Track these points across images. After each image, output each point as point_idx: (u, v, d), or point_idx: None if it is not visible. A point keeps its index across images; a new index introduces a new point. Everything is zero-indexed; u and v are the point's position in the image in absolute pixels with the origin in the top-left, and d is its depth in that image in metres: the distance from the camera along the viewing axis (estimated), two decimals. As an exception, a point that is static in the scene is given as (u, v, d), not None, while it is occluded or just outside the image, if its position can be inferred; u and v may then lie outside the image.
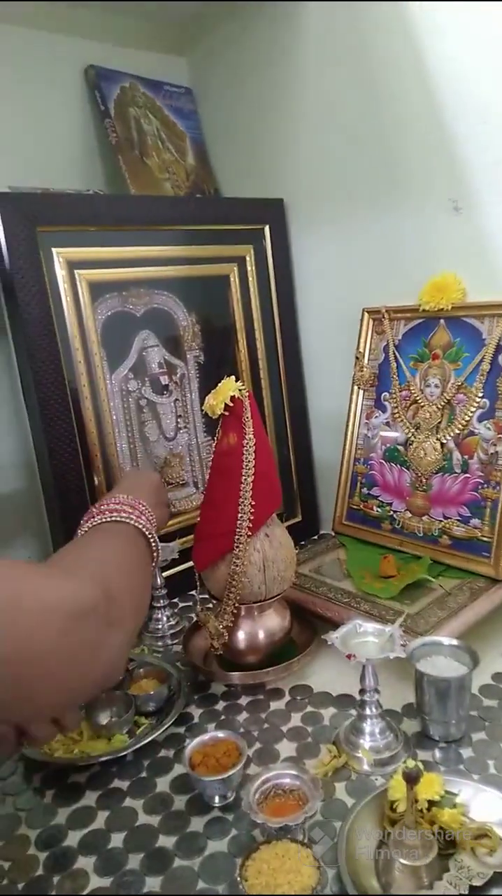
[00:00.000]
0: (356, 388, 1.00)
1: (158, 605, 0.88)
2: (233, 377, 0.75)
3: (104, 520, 0.63)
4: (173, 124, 1.13)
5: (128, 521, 0.63)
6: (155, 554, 0.66)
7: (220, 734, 0.64)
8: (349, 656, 0.62)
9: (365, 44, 0.90)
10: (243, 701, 0.74)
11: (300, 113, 1.02)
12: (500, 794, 0.56)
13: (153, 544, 0.65)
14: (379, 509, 0.96)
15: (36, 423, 0.86)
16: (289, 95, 1.03)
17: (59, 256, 0.85)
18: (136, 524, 0.64)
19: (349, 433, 1.01)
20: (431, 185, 0.88)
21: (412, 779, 0.51)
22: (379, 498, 0.97)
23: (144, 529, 0.64)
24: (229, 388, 0.74)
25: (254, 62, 1.06)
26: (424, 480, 0.90)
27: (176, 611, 0.92)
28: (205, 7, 1.07)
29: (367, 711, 0.65)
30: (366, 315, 0.98)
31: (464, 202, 0.85)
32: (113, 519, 0.63)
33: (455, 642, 0.68)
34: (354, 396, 1.00)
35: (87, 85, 1.05)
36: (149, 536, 0.64)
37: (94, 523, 0.63)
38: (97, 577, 0.53)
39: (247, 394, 0.75)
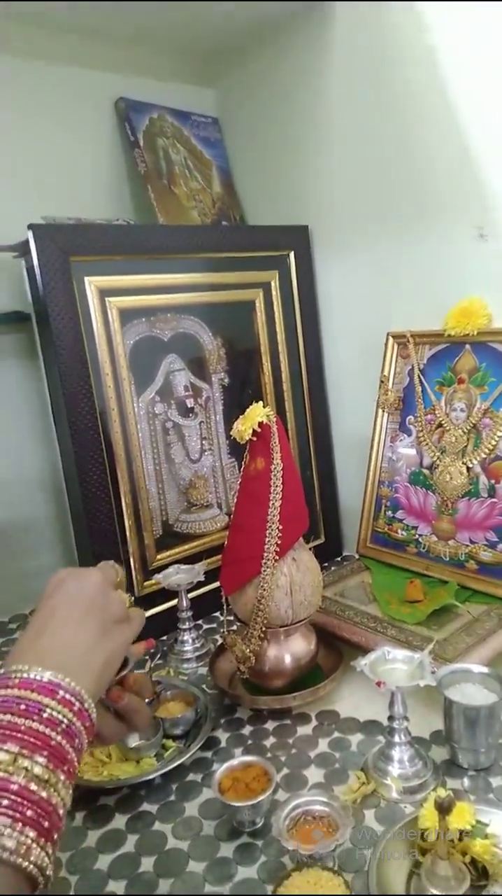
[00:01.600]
0: (380, 411, 1.00)
1: (184, 626, 0.89)
2: (260, 402, 0.76)
3: None
4: (200, 153, 1.16)
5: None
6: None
7: (250, 759, 0.64)
8: (379, 683, 0.62)
9: (390, 73, 0.92)
10: (270, 725, 0.74)
11: (325, 141, 1.04)
12: (533, 825, 0.56)
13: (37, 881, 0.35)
14: (404, 532, 0.96)
15: (66, 446, 0.88)
16: (313, 124, 1.05)
17: (91, 285, 0.87)
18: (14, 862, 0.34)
19: (373, 456, 1.01)
20: (456, 213, 0.89)
21: (444, 808, 0.51)
22: (405, 521, 0.97)
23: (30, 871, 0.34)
24: (257, 413, 0.75)
25: (280, 92, 1.09)
26: (450, 504, 0.90)
27: (201, 633, 0.92)
28: (231, 41, 1.09)
29: (396, 739, 0.65)
30: (391, 339, 0.99)
31: (490, 229, 0.86)
32: None
33: (484, 670, 0.68)
34: (379, 420, 1.01)
35: (117, 116, 1.08)
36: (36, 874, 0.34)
37: None
38: None
39: (274, 419, 0.76)
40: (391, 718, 0.65)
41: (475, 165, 0.85)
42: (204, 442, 1.03)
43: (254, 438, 0.75)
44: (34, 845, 0.34)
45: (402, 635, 0.78)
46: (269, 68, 1.10)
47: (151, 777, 0.67)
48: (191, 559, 0.98)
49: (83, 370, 0.86)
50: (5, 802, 0.34)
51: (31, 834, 0.34)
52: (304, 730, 0.73)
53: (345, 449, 1.15)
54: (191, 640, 0.88)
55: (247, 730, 0.74)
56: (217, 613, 0.97)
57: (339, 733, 0.72)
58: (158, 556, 0.96)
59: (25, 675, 0.40)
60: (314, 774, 0.67)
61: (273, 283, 1.07)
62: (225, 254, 1.02)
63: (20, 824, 0.34)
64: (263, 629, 0.74)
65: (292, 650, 0.77)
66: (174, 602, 0.90)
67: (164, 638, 0.93)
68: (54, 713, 0.39)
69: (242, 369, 1.06)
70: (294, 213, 1.11)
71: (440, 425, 0.92)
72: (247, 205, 1.20)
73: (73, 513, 0.94)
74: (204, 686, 0.80)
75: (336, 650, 0.82)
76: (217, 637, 0.91)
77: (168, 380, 0.98)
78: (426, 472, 0.94)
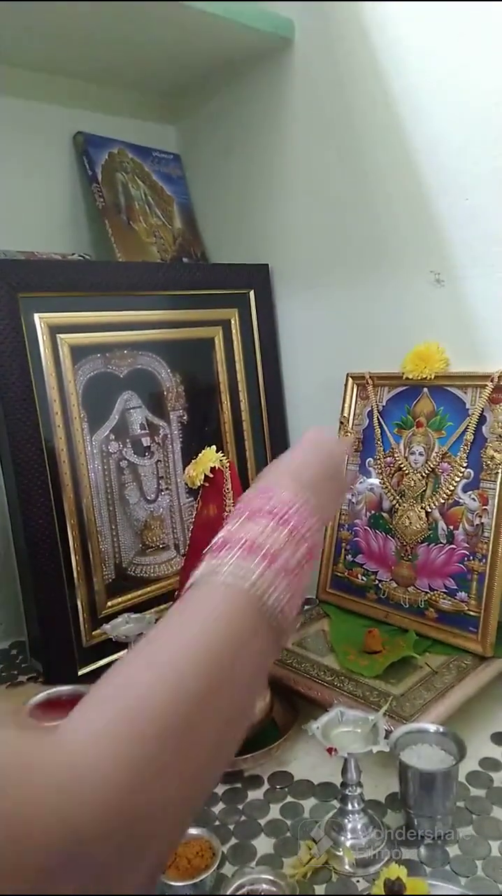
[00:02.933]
0: (340, 452, 0.99)
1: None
2: (213, 447, 0.74)
3: (210, 569, 0.40)
4: (161, 189, 1.15)
5: (245, 585, 0.38)
6: (281, 643, 0.41)
7: (193, 831, 0.60)
8: (329, 750, 0.59)
9: (350, 118, 0.92)
10: (219, 790, 0.70)
11: (286, 182, 1.04)
12: (490, 905, 0.53)
13: (282, 637, 0.41)
14: (363, 578, 0.94)
15: (10, 486, 0.84)
16: (275, 165, 1.05)
17: (41, 321, 0.84)
18: (267, 601, 0.39)
19: (333, 498, 0.99)
20: (414, 257, 0.89)
21: (394, 893, 0.48)
22: (365, 566, 0.94)
23: (276, 610, 0.39)
24: (209, 458, 0.73)
25: (242, 132, 1.09)
26: (410, 549, 0.89)
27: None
28: (193, 79, 1.09)
29: (349, 807, 0.61)
30: (351, 380, 0.98)
31: (447, 275, 0.85)
32: (230, 583, 0.39)
33: (441, 729, 0.65)
34: (338, 461, 0.99)
35: (75, 150, 1.06)
36: (272, 620, 0.39)
37: (198, 578, 0.41)
38: (119, 768, 0.30)
39: (227, 464, 0.73)
40: (344, 785, 0.61)
41: (431, 211, 0.85)
42: (160, 481, 1.00)
43: (207, 484, 0.73)
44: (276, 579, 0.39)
45: (359, 690, 0.75)
46: (231, 107, 1.10)
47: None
48: (146, 605, 0.94)
49: (29, 407, 0.83)
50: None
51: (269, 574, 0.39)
52: (256, 794, 0.69)
53: (306, 489, 1.12)
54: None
55: (194, 794, 0.70)
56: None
57: (292, 797, 0.68)
58: (109, 603, 0.92)
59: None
60: (263, 845, 0.63)
61: (233, 321, 1.06)
62: (184, 291, 1.01)
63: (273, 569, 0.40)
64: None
65: (244, 707, 0.73)
66: (123, 653, 0.86)
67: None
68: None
69: (202, 407, 1.04)
70: (255, 252, 1.10)
71: (399, 468, 0.90)
72: (209, 242, 1.19)
73: (19, 556, 0.90)
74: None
75: (292, 705, 0.78)
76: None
77: (123, 417, 0.95)
78: (385, 515, 0.92)
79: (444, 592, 0.84)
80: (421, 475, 0.87)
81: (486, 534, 0.80)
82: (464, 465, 0.83)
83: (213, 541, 0.43)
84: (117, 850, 0.29)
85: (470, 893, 0.54)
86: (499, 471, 0.80)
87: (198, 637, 0.36)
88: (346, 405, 0.98)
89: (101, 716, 0.32)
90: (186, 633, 0.37)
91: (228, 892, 0.54)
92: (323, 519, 0.47)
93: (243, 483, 0.93)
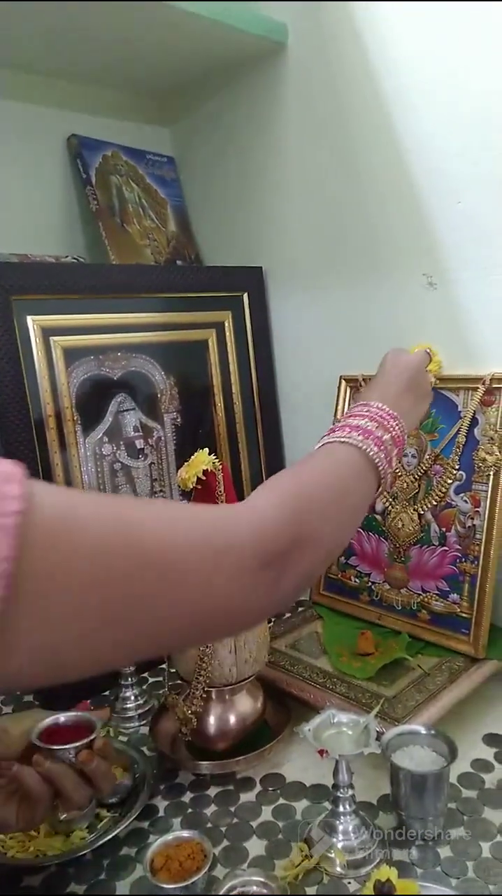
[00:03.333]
0: (334, 454, 0.99)
1: (126, 682, 0.85)
2: (205, 450, 0.74)
3: (334, 440, 0.59)
4: (155, 192, 1.15)
5: (362, 447, 0.57)
6: (380, 487, 0.60)
7: (185, 834, 0.60)
8: (321, 752, 0.59)
9: (343, 121, 0.93)
10: (212, 792, 0.70)
11: (280, 184, 1.04)
12: (480, 906, 0.53)
13: (381, 481, 0.59)
14: (357, 580, 0.94)
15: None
16: (269, 167, 1.05)
17: (34, 324, 0.84)
18: (369, 453, 0.58)
19: (326, 500, 0.99)
20: (407, 260, 0.89)
21: (384, 895, 0.48)
22: (358, 568, 0.95)
23: (377, 462, 0.58)
24: (201, 461, 0.72)
25: (236, 134, 1.09)
26: (402, 551, 0.89)
27: (144, 688, 0.88)
28: (187, 81, 1.10)
29: (341, 808, 0.61)
30: (344, 382, 0.98)
31: (439, 278, 0.86)
32: (347, 441, 0.58)
33: (432, 731, 0.65)
34: (332, 463, 0.99)
35: (69, 153, 1.07)
36: (381, 473, 0.59)
37: (327, 441, 0.59)
38: (297, 513, 0.48)
39: (220, 466, 0.73)
40: (335, 787, 0.61)
41: (424, 214, 0.86)
42: (154, 483, 1.00)
43: (199, 487, 0.73)
44: (378, 445, 0.59)
45: (352, 692, 0.75)
46: (226, 110, 1.10)
47: (81, 854, 0.62)
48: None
49: (22, 410, 0.83)
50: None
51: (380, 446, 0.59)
52: (248, 796, 0.69)
53: (300, 491, 1.13)
54: (133, 697, 0.84)
55: (187, 797, 0.70)
56: (163, 665, 0.93)
57: (284, 799, 0.68)
58: (103, 605, 0.92)
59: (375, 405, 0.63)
60: (255, 847, 0.63)
61: (226, 324, 1.06)
62: (178, 294, 1.01)
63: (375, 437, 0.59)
64: (206, 689, 0.71)
65: (237, 710, 0.73)
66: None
67: (106, 693, 0.88)
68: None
69: (196, 408, 1.04)
70: (249, 254, 1.10)
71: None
72: (202, 244, 1.19)
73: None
74: (144, 748, 0.76)
75: (285, 707, 0.78)
76: (162, 692, 0.87)
77: (117, 419, 0.95)
78: (378, 517, 0.92)
79: (437, 594, 0.84)
80: (414, 477, 0.88)
81: (478, 536, 0.81)
82: (456, 467, 0.83)
83: (330, 428, 0.61)
84: (284, 563, 0.46)
85: (461, 894, 0.54)
86: (491, 473, 0.80)
87: (341, 464, 0.57)
88: (340, 407, 0.98)
89: (275, 491, 0.51)
90: (328, 460, 0.58)
91: (220, 894, 0.54)
92: (409, 423, 0.66)
93: (236, 485, 0.94)
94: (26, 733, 0.59)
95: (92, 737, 0.58)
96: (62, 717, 0.63)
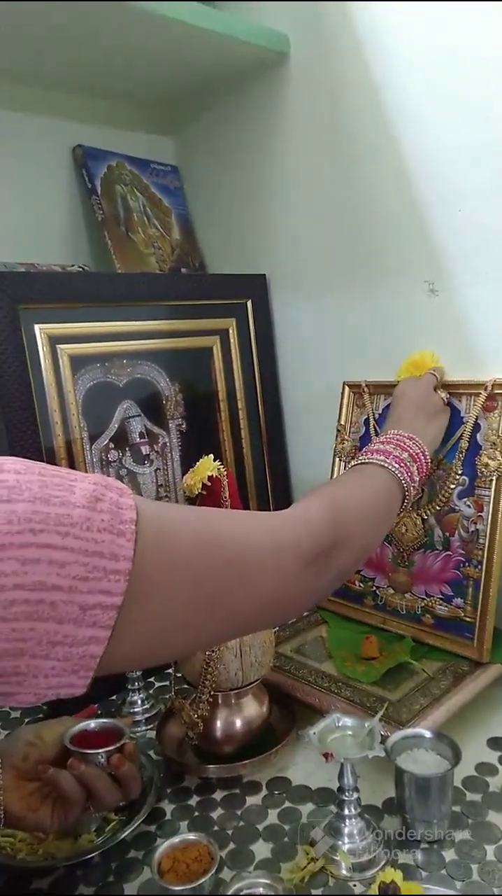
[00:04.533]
0: (337, 460, 1.00)
1: (132, 687, 0.85)
2: (210, 456, 0.75)
3: (364, 461, 0.70)
4: (159, 201, 1.16)
5: (385, 465, 0.69)
6: (405, 501, 0.71)
7: (191, 837, 0.61)
8: (326, 755, 0.59)
9: (345, 129, 0.94)
10: (218, 795, 0.71)
11: (282, 193, 1.05)
12: (484, 908, 0.53)
13: (406, 494, 0.70)
14: (361, 584, 0.95)
15: (12, 497, 0.85)
16: (271, 176, 1.06)
17: (41, 332, 0.85)
18: (391, 469, 0.69)
19: (331, 505, 1.00)
20: (408, 267, 0.90)
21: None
22: (362, 573, 0.95)
23: (399, 476, 0.69)
24: (206, 467, 0.73)
25: (239, 143, 1.10)
26: (406, 556, 0.89)
27: (151, 692, 0.89)
28: (190, 91, 1.11)
29: (346, 811, 0.62)
30: (347, 388, 0.99)
31: (441, 285, 0.87)
32: (371, 461, 0.70)
33: (437, 734, 0.66)
34: (336, 468, 1.00)
35: (74, 164, 1.08)
36: (404, 486, 0.70)
37: (356, 463, 0.72)
38: (337, 521, 0.55)
39: (225, 472, 0.74)
40: (340, 790, 0.62)
41: (425, 221, 0.87)
42: (160, 489, 1.01)
43: (204, 493, 0.74)
44: (402, 466, 0.71)
45: (357, 696, 0.76)
46: (228, 119, 1.11)
47: (89, 857, 0.63)
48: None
49: (30, 417, 0.84)
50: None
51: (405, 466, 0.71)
52: (254, 799, 0.70)
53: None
54: (140, 702, 0.85)
55: (194, 800, 0.71)
56: (170, 670, 0.93)
57: (290, 803, 0.69)
58: (109, 610, 0.93)
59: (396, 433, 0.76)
60: (261, 849, 0.64)
61: (230, 331, 1.07)
62: (182, 301, 1.02)
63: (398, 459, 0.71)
64: (212, 693, 0.71)
65: (243, 714, 0.74)
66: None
67: (114, 698, 0.89)
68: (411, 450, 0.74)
69: (200, 415, 1.05)
70: (253, 262, 1.11)
71: (395, 476, 0.91)
72: (206, 252, 1.21)
73: (20, 565, 0.91)
74: (151, 752, 0.77)
75: (290, 711, 0.79)
76: (168, 696, 0.87)
77: (123, 426, 0.96)
78: (382, 522, 0.93)
79: (440, 599, 0.85)
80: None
81: (481, 540, 0.81)
82: (459, 472, 0.84)
83: (362, 452, 0.74)
84: (327, 560, 0.54)
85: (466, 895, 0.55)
86: (494, 478, 0.80)
87: (371, 479, 0.69)
88: (343, 413, 0.99)
89: (316, 498, 0.59)
90: (364, 478, 0.69)
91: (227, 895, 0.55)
92: (427, 440, 0.76)
93: (240, 491, 0.95)
94: (59, 739, 0.62)
95: (122, 742, 0.62)
96: (92, 724, 0.65)
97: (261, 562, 0.49)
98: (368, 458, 0.70)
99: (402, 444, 0.73)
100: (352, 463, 0.72)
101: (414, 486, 0.71)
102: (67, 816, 0.59)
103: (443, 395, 0.84)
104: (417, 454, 0.73)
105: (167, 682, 0.92)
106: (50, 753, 0.61)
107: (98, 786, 0.59)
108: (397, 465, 0.69)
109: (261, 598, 0.50)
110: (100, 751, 0.60)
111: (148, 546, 0.41)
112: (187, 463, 1.01)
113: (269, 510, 1.12)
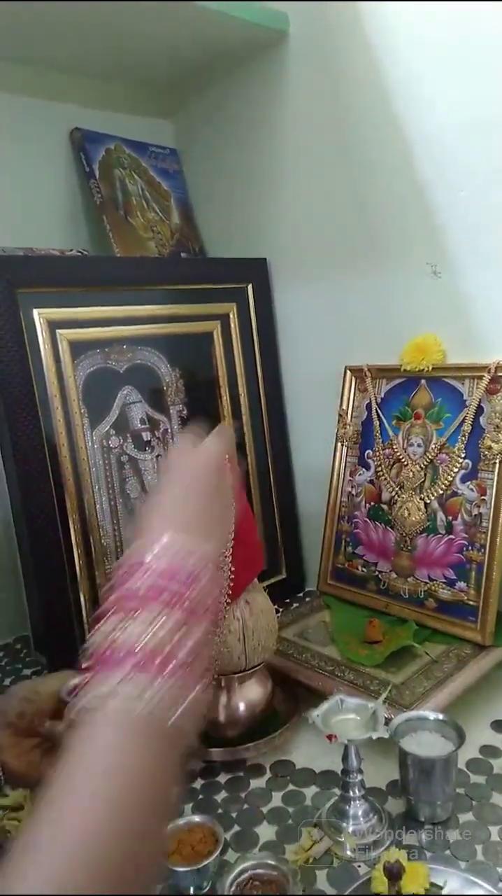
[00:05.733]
0: (339, 444, 0.99)
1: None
2: (212, 441, 0.74)
3: (105, 703, 0.36)
4: (158, 184, 1.15)
5: (142, 712, 0.36)
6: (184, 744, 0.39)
7: (196, 818, 0.61)
8: (329, 737, 0.59)
9: (346, 109, 0.92)
10: (222, 778, 0.71)
11: (283, 175, 1.04)
12: (487, 886, 0.53)
13: (187, 738, 0.38)
14: (363, 569, 0.95)
15: (13, 482, 0.85)
16: (271, 158, 1.05)
17: (40, 317, 0.85)
18: (158, 717, 0.36)
19: (333, 490, 1.00)
20: (410, 250, 0.89)
21: (394, 875, 0.48)
22: (364, 557, 0.95)
23: (172, 729, 0.36)
24: (208, 451, 0.73)
25: (238, 125, 1.09)
26: (409, 541, 0.89)
27: (155, 677, 0.89)
28: (188, 73, 1.10)
29: (350, 793, 0.62)
30: (349, 373, 0.98)
31: (443, 267, 0.86)
32: (117, 711, 0.36)
33: (440, 717, 0.66)
34: (338, 453, 0.99)
35: (72, 147, 1.07)
36: (177, 733, 0.37)
37: (90, 706, 0.36)
38: None
39: (226, 457, 0.74)
40: (345, 772, 0.62)
41: (427, 203, 0.86)
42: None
43: (206, 477, 0.73)
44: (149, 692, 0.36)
45: (360, 679, 0.76)
46: (227, 101, 1.10)
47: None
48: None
49: (30, 403, 0.83)
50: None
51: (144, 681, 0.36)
52: (258, 782, 0.70)
53: (307, 481, 1.13)
54: (143, 686, 0.85)
55: (198, 783, 0.71)
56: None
57: (294, 786, 0.69)
58: (112, 596, 0.93)
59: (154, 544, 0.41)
60: (266, 832, 0.64)
61: (231, 315, 1.06)
62: (182, 286, 1.01)
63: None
64: (216, 677, 0.71)
65: (247, 697, 0.74)
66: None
67: (116, 683, 0.89)
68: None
69: (201, 400, 1.04)
70: (253, 246, 1.10)
71: (398, 460, 0.91)
72: (206, 236, 1.19)
73: (21, 550, 0.91)
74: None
75: (293, 695, 0.79)
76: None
77: (124, 412, 0.95)
78: (385, 507, 0.93)
79: (443, 582, 0.85)
80: (420, 466, 0.88)
81: (484, 524, 0.81)
82: (462, 455, 0.84)
83: (94, 645, 0.38)
84: None
85: (470, 876, 0.55)
86: (497, 461, 0.80)
87: (117, 783, 0.35)
88: (345, 398, 0.98)
89: (49, 866, 0.32)
90: (102, 784, 0.35)
91: (230, 877, 0.55)
92: (217, 557, 0.44)
93: (242, 476, 0.94)
94: (55, 693, 0.59)
95: None
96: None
97: None
98: (118, 694, 0.36)
99: (193, 601, 0.40)
100: (87, 696, 0.37)
101: (199, 722, 0.39)
102: None
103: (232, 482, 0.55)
104: (218, 610, 0.45)
105: (170, 668, 0.92)
106: (47, 707, 0.58)
107: None
108: (175, 707, 0.37)
109: None
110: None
111: None
112: (188, 449, 1.00)
113: (271, 496, 1.11)
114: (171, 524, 0.43)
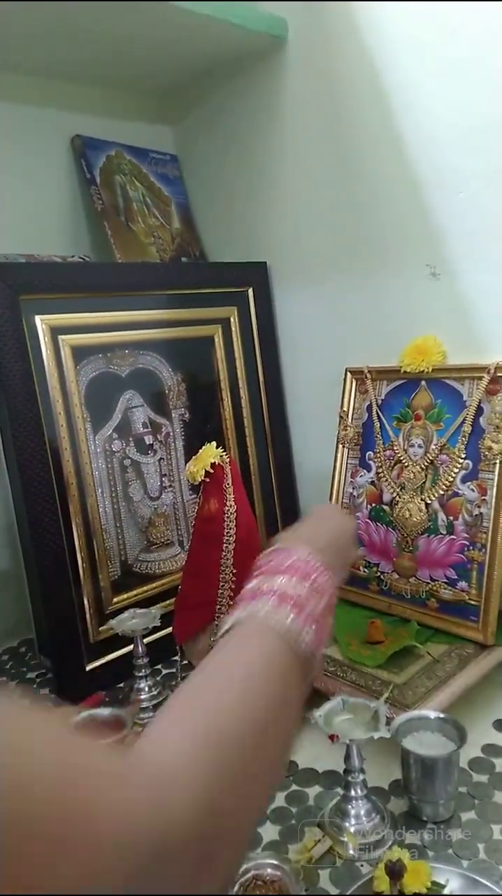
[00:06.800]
0: (341, 446, 1.00)
1: (140, 674, 0.86)
2: (213, 443, 0.75)
3: (247, 614, 0.44)
4: (159, 190, 1.16)
5: (281, 631, 0.43)
6: (307, 674, 0.45)
7: (200, 819, 0.61)
8: (331, 737, 0.60)
9: (344, 114, 0.93)
10: (225, 779, 0.72)
11: (282, 179, 1.05)
12: (489, 885, 0.54)
13: (310, 670, 0.45)
14: (365, 570, 0.95)
15: (16, 486, 0.86)
16: (271, 163, 1.06)
17: (43, 323, 0.85)
18: (292, 638, 0.43)
19: (334, 491, 1.00)
20: (409, 252, 0.90)
21: (395, 873, 0.49)
22: (366, 558, 0.95)
23: (295, 641, 0.43)
24: (209, 454, 0.74)
25: (238, 131, 1.10)
26: (410, 541, 0.89)
27: (158, 679, 0.89)
28: (188, 80, 1.10)
29: (352, 793, 0.62)
30: (349, 375, 0.99)
31: (442, 268, 0.86)
32: (257, 614, 0.44)
33: (442, 716, 0.66)
34: (339, 455, 1.00)
35: (73, 154, 1.08)
36: (304, 655, 0.43)
37: (238, 621, 0.44)
38: (204, 782, 0.33)
39: (227, 460, 0.75)
40: (347, 772, 0.63)
41: (426, 205, 0.86)
42: (163, 479, 1.01)
43: (207, 480, 0.74)
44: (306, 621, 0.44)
45: (362, 680, 0.76)
46: (227, 106, 1.11)
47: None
48: (151, 600, 0.96)
49: (33, 408, 0.84)
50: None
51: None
52: (261, 783, 0.71)
53: (309, 482, 1.14)
54: (147, 688, 0.85)
55: (201, 784, 0.71)
56: (177, 657, 0.94)
57: (297, 786, 0.70)
58: (115, 599, 0.93)
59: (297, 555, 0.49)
60: (269, 832, 0.64)
61: (232, 319, 1.07)
62: (183, 290, 1.02)
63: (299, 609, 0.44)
64: (217, 677, 0.72)
65: (249, 698, 0.74)
66: (130, 648, 0.87)
67: (121, 685, 0.89)
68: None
69: (203, 404, 1.05)
70: (253, 250, 1.11)
71: (399, 461, 0.91)
72: (207, 241, 1.20)
73: (25, 554, 0.91)
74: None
75: (295, 695, 0.79)
76: (174, 683, 0.88)
77: (126, 416, 0.96)
78: (386, 508, 0.93)
79: (445, 582, 0.85)
80: (421, 467, 0.88)
81: (485, 524, 0.81)
82: (463, 456, 0.84)
83: (245, 590, 0.48)
84: (197, 862, 0.32)
85: (471, 875, 0.55)
86: (497, 461, 0.80)
87: (254, 674, 0.41)
88: (345, 399, 0.99)
89: (185, 737, 0.36)
90: (242, 671, 0.41)
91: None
92: (335, 579, 0.51)
93: (244, 479, 0.95)
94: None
95: (123, 733, 0.60)
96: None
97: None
98: (264, 613, 0.44)
99: (319, 583, 0.48)
100: (235, 615, 0.45)
101: (320, 661, 0.46)
102: None
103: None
104: (332, 601, 0.49)
105: (174, 669, 0.93)
106: None
107: None
108: (305, 638, 0.43)
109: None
110: (101, 742, 0.59)
111: None
112: (190, 452, 1.01)
113: (273, 497, 1.12)
114: (307, 542, 0.52)
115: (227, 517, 0.73)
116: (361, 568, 0.96)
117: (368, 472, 0.96)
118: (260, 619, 0.44)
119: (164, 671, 0.93)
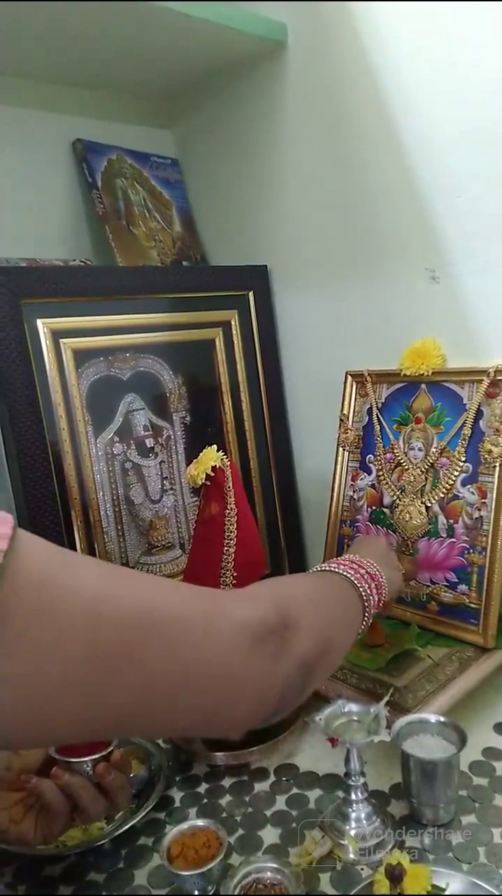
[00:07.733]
0: (341, 449, 1.00)
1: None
2: (214, 447, 0.75)
3: (326, 568, 0.64)
4: (160, 194, 1.16)
5: (341, 572, 0.62)
6: (366, 615, 0.62)
7: (200, 823, 0.62)
8: (331, 740, 0.60)
9: (344, 118, 0.93)
10: (226, 782, 0.72)
11: (282, 183, 1.05)
12: (489, 889, 0.54)
13: (365, 604, 0.62)
14: (366, 573, 0.95)
15: (17, 489, 0.86)
16: (271, 166, 1.06)
17: (44, 327, 0.86)
18: (348, 576, 0.62)
19: (335, 495, 1.00)
20: (409, 256, 0.90)
21: (396, 877, 0.49)
22: (367, 561, 0.95)
23: (358, 585, 0.61)
24: (210, 457, 0.74)
25: (238, 135, 1.10)
26: (410, 544, 0.90)
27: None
28: (188, 83, 1.11)
29: (353, 796, 0.62)
30: (350, 378, 0.99)
31: (442, 272, 0.86)
32: (330, 569, 0.63)
33: (442, 719, 0.66)
34: (339, 458, 1.00)
35: (74, 158, 1.08)
36: (362, 593, 0.62)
37: (318, 568, 0.65)
38: (279, 602, 0.50)
39: (228, 463, 0.75)
40: (347, 775, 0.63)
41: (425, 209, 0.86)
42: (164, 482, 1.01)
43: (208, 483, 0.74)
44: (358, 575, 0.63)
45: (363, 683, 0.76)
46: (227, 110, 1.11)
47: (100, 843, 0.64)
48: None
49: (34, 412, 0.84)
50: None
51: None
52: (262, 786, 0.71)
53: (309, 486, 1.14)
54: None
55: (202, 787, 0.72)
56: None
57: (298, 789, 0.70)
58: (116, 602, 0.93)
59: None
60: (269, 835, 0.64)
61: (233, 323, 1.07)
62: (184, 294, 1.02)
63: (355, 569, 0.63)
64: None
65: (249, 701, 0.74)
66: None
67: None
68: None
69: (204, 407, 1.05)
70: (254, 253, 1.11)
71: (399, 464, 0.91)
72: (208, 245, 1.20)
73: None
74: (159, 741, 0.78)
75: (296, 698, 0.79)
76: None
77: (127, 419, 0.96)
78: (386, 511, 0.93)
79: (445, 585, 0.85)
80: (421, 470, 0.88)
81: (485, 527, 0.81)
82: (463, 459, 0.84)
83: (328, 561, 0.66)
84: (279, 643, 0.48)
85: (472, 878, 0.55)
86: (497, 464, 0.81)
87: (329, 584, 0.62)
88: (346, 403, 0.99)
89: (296, 592, 0.56)
90: (321, 580, 0.62)
91: (234, 881, 0.55)
92: (389, 588, 0.67)
93: (245, 482, 0.95)
94: (44, 749, 0.59)
95: (109, 750, 0.58)
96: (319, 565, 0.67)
97: (186, 625, 0.42)
98: (334, 567, 0.64)
99: (361, 564, 0.65)
100: (316, 567, 0.65)
101: (373, 601, 0.63)
102: (51, 828, 0.55)
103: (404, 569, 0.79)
104: (375, 574, 0.65)
105: (175, 673, 0.93)
106: (34, 762, 0.58)
107: (82, 796, 0.55)
108: (353, 573, 0.62)
109: (187, 668, 0.41)
110: (85, 759, 0.56)
111: (21, 589, 0.34)
112: (192, 455, 1.01)
113: (274, 501, 1.12)
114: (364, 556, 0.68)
115: (228, 520, 0.73)
116: (362, 571, 0.96)
117: (368, 475, 0.96)
118: (334, 568, 0.63)
119: (165, 674, 0.93)
